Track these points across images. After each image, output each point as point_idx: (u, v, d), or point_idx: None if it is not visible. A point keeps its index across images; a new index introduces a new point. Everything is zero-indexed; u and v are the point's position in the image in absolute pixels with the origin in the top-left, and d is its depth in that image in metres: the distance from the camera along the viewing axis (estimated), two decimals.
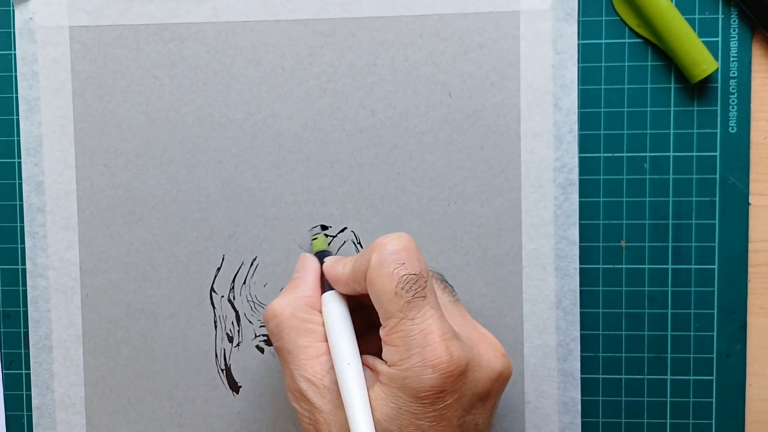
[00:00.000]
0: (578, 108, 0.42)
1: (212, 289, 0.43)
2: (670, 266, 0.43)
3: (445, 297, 0.37)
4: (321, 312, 0.37)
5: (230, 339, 0.43)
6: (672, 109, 0.42)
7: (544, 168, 0.41)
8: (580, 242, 0.42)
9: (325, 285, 0.38)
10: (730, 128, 0.42)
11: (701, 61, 0.41)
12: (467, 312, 0.38)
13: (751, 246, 0.42)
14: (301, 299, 0.37)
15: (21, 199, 0.44)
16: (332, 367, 0.35)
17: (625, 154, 0.42)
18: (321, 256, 0.40)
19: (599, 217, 0.43)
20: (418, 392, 0.33)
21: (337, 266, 0.38)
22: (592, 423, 0.43)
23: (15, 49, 0.44)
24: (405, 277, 0.34)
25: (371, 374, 0.35)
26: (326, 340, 0.36)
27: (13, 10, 0.43)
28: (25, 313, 0.44)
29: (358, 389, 0.33)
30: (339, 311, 0.36)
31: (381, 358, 0.35)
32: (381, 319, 0.34)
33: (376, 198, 0.42)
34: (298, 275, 0.39)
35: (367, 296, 0.36)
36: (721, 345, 0.43)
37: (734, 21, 0.42)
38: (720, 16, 0.42)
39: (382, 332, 0.34)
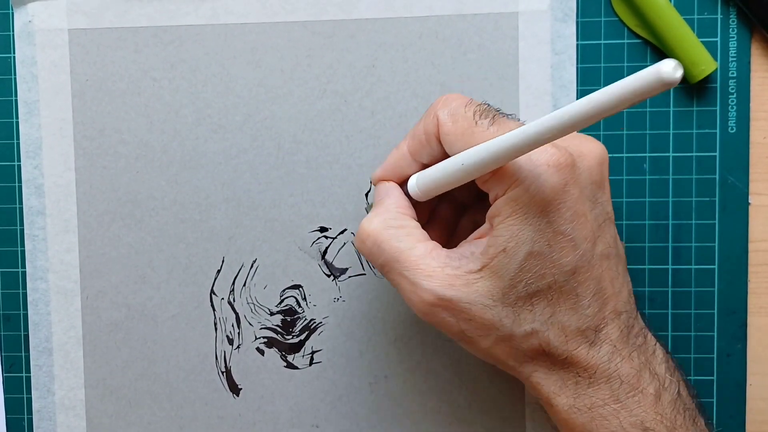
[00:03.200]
0: None
1: (212, 291, 0.43)
2: (670, 266, 0.43)
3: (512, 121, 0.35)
4: (415, 219, 0.36)
5: (230, 341, 0.43)
6: (671, 109, 0.42)
7: None
8: None
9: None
10: (730, 128, 0.42)
11: (700, 61, 0.41)
12: None
13: (751, 246, 0.42)
14: (389, 211, 0.35)
15: (20, 202, 0.44)
16: (447, 257, 0.33)
17: (624, 155, 0.42)
18: None
19: None
20: (546, 196, 0.31)
21: (390, 158, 0.37)
22: None
23: (14, 52, 0.44)
24: (478, 108, 0.33)
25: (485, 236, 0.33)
26: (428, 239, 0.34)
27: (12, 13, 0.43)
28: (25, 316, 0.44)
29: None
30: (427, 169, 0.35)
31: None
32: None
33: None
34: (379, 197, 0.37)
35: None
36: (722, 345, 0.43)
37: (733, 21, 0.42)
38: (719, 16, 0.42)
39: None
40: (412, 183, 0.36)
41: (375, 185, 0.38)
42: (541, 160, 0.31)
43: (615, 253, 0.34)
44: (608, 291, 0.34)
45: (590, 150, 0.34)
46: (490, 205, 0.33)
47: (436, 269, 0.33)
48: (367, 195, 0.42)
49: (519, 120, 0.35)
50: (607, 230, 0.34)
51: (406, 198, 0.37)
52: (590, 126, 0.42)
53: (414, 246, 0.34)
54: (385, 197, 0.36)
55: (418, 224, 0.35)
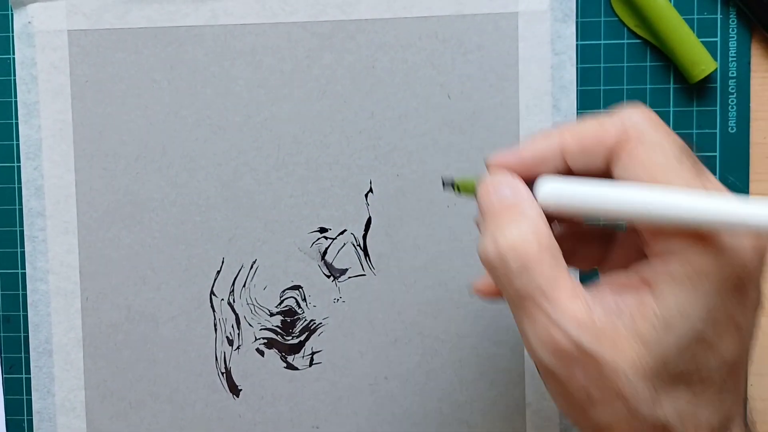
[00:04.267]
0: (577, 109, 0.42)
1: (212, 292, 0.43)
2: None
3: None
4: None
5: (230, 342, 0.43)
6: (671, 109, 0.42)
7: None
8: None
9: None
10: (730, 128, 0.42)
11: (700, 61, 0.41)
12: None
13: None
14: (540, 225, 0.28)
15: (20, 204, 0.44)
16: (593, 304, 0.27)
17: None
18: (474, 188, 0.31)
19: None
20: (738, 280, 0.26)
21: (535, 144, 0.29)
22: None
23: (14, 53, 0.44)
24: (682, 145, 0.27)
25: (636, 285, 0.27)
26: (570, 272, 0.28)
27: (12, 15, 0.43)
28: (25, 317, 0.44)
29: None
30: (575, 181, 0.28)
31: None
32: None
33: (375, 200, 0.42)
34: (508, 200, 0.29)
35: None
36: None
37: (733, 21, 0.42)
38: (719, 16, 0.42)
39: None
40: (547, 192, 0.29)
41: (494, 172, 0.30)
42: (748, 244, 0.26)
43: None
44: (742, 378, 0.29)
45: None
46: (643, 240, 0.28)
47: (584, 314, 0.27)
48: (366, 195, 0.42)
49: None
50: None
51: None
52: None
53: (565, 279, 0.27)
54: (525, 205, 0.28)
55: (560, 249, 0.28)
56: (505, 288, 0.28)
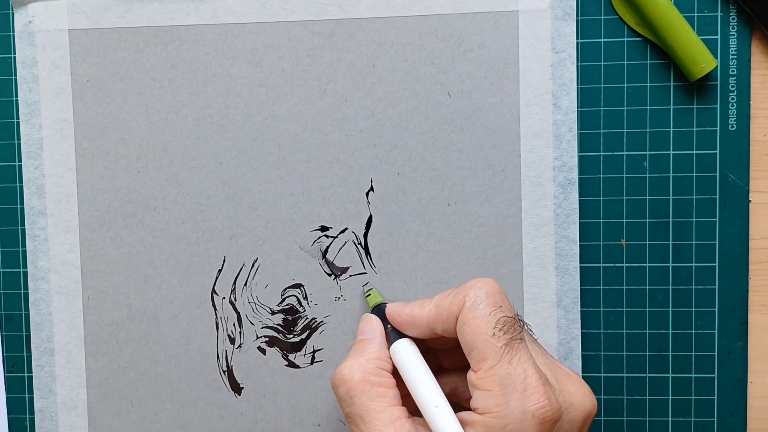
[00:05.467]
0: (578, 107, 0.42)
1: (213, 291, 0.43)
2: (670, 264, 0.43)
3: (527, 338, 0.36)
4: (391, 372, 0.36)
5: (232, 340, 0.43)
6: (671, 107, 0.42)
7: (543, 167, 0.42)
8: (580, 241, 0.42)
9: (392, 335, 0.38)
10: (730, 126, 0.42)
11: (700, 59, 0.41)
12: (543, 347, 0.37)
13: (751, 243, 0.42)
14: (371, 361, 0.36)
15: (22, 203, 0.44)
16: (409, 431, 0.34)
17: (624, 153, 0.42)
18: (378, 311, 0.39)
19: (599, 216, 0.43)
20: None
21: (411, 308, 0.37)
22: (594, 421, 0.43)
23: (15, 53, 0.44)
24: (503, 319, 0.33)
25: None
26: (399, 404, 0.35)
27: (13, 14, 0.43)
28: (27, 316, 0.44)
29: (454, 427, 0.33)
30: (417, 356, 0.36)
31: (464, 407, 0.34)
32: (473, 363, 0.34)
33: (376, 198, 0.42)
34: (363, 337, 0.38)
35: (435, 340, 0.35)
36: (723, 342, 0.43)
37: (733, 19, 0.42)
38: (719, 14, 0.42)
39: (473, 376, 0.33)
40: (397, 350, 0.37)
41: (377, 310, 0.39)
42: (530, 407, 0.32)
43: None
44: None
45: (580, 403, 0.34)
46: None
47: None
48: (367, 194, 0.42)
49: (533, 334, 0.36)
50: None
51: (386, 345, 0.37)
52: (591, 124, 0.42)
53: (383, 410, 0.35)
54: (370, 343, 0.37)
55: (393, 382, 0.36)
56: (342, 408, 0.36)
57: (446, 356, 0.39)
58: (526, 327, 0.36)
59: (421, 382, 0.35)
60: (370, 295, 0.42)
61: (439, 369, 0.39)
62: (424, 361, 0.36)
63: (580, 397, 0.34)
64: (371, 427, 0.34)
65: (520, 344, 0.33)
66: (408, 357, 0.36)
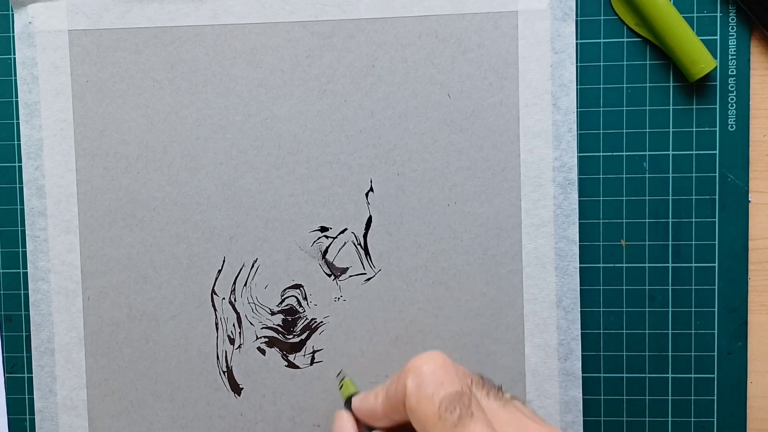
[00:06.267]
0: (577, 107, 0.42)
1: (213, 291, 0.43)
2: (670, 264, 0.43)
3: (493, 404, 0.33)
4: None
5: (231, 341, 0.43)
6: (671, 107, 0.42)
7: (543, 167, 0.42)
8: (580, 241, 0.42)
9: (364, 429, 0.36)
10: (729, 126, 0.42)
11: (700, 59, 0.41)
12: (523, 406, 0.34)
13: (751, 243, 0.42)
14: None
15: (22, 203, 0.44)
16: None
17: (624, 153, 0.42)
18: (350, 403, 0.38)
19: (599, 216, 0.43)
20: None
21: (368, 400, 0.35)
22: (594, 422, 0.43)
23: (14, 54, 0.44)
24: (446, 397, 0.31)
25: None
26: None
27: (13, 15, 0.43)
28: (27, 316, 0.44)
29: None
30: None
31: None
32: None
33: (375, 198, 0.42)
34: None
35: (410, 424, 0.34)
36: (722, 343, 0.43)
37: (732, 19, 0.42)
38: (718, 14, 0.42)
39: None
40: None
41: (348, 402, 0.38)
42: None
43: None
44: None
45: None
46: None
47: None
48: (367, 194, 0.42)
49: (508, 397, 0.34)
50: None
51: None
52: (590, 124, 0.42)
53: None
54: None
55: None
56: None
57: None
58: (491, 391, 0.33)
59: None
60: (342, 386, 0.40)
61: None
62: None
63: None
64: None
65: (472, 420, 0.30)
66: None
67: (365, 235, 0.43)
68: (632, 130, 0.42)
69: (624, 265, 0.43)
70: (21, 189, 0.44)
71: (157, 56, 0.43)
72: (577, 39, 0.42)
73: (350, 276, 0.43)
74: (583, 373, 0.43)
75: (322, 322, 0.43)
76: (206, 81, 0.43)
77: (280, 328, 0.43)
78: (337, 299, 0.43)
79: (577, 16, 0.42)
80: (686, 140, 0.42)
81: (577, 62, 0.42)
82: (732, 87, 0.42)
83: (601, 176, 0.43)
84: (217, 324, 0.43)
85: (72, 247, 0.43)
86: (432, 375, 0.32)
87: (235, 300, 0.43)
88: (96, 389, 0.44)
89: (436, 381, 0.31)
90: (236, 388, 0.43)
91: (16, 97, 0.44)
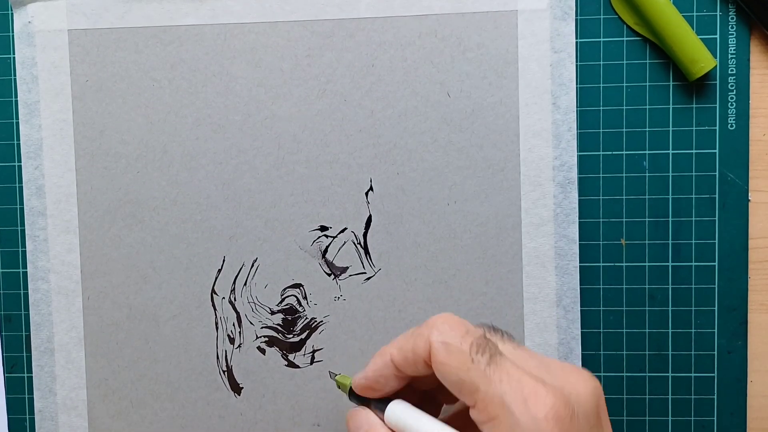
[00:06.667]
0: (577, 106, 0.42)
1: (213, 291, 0.43)
2: (670, 263, 0.43)
3: (508, 346, 0.34)
4: None
5: (231, 340, 0.43)
6: (671, 106, 0.42)
7: (543, 166, 0.42)
8: (579, 240, 0.42)
9: (378, 409, 0.36)
10: (729, 125, 0.42)
11: (699, 58, 0.41)
12: (530, 350, 0.35)
13: (751, 242, 0.42)
14: None
15: (21, 203, 0.44)
16: None
17: (624, 152, 0.42)
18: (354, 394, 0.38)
19: (599, 215, 0.43)
20: None
21: (375, 364, 0.35)
22: None
23: (14, 53, 0.44)
24: (474, 342, 0.32)
25: None
26: None
27: (12, 14, 0.43)
28: (27, 316, 0.44)
29: None
30: (411, 409, 0.34)
31: None
32: (467, 400, 0.32)
33: (375, 198, 0.42)
34: (362, 429, 0.36)
35: (421, 382, 0.34)
36: (722, 342, 0.43)
37: (732, 18, 0.42)
38: (718, 13, 0.42)
39: (474, 413, 0.32)
40: (393, 414, 0.35)
41: (350, 389, 0.37)
42: (539, 412, 0.30)
43: None
44: None
45: (586, 390, 0.32)
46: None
47: None
48: (367, 193, 0.42)
49: (516, 342, 0.34)
50: None
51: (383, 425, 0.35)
52: (590, 123, 0.42)
53: None
54: (367, 425, 0.35)
55: None
56: None
57: (441, 393, 0.37)
58: (504, 336, 0.34)
59: (432, 428, 0.33)
60: (339, 384, 0.39)
61: (441, 411, 0.37)
62: (421, 411, 0.34)
63: (584, 384, 0.33)
64: None
65: (501, 358, 0.32)
66: (403, 415, 0.34)
67: (365, 235, 0.43)
68: (632, 129, 0.42)
69: (624, 264, 0.43)
70: (21, 189, 0.44)
71: (157, 56, 0.43)
72: (576, 38, 0.42)
73: (350, 275, 0.43)
74: None
75: (322, 321, 0.43)
76: (206, 81, 0.43)
77: (280, 328, 0.43)
78: (337, 299, 0.43)
79: (576, 16, 0.42)
80: (686, 139, 0.42)
81: (576, 61, 0.42)
82: (732, 86, 0.42)
83: (600, 175, 0.43)
84: (217, 323, 0.43)
85: (72, 247, 0.43)
86: (455, 327, 0.33)
87: (235, 299, 0.43)
88: (96, 389, 0.44)
89: (460, 331, 0.33)
90: (236, 388, 0.43)
91: (16, 96, 0.44)
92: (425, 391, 0.37)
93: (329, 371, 0.43)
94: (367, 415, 0.36)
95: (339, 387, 0.38)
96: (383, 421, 0.35)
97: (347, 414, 0.37)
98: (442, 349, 0.32)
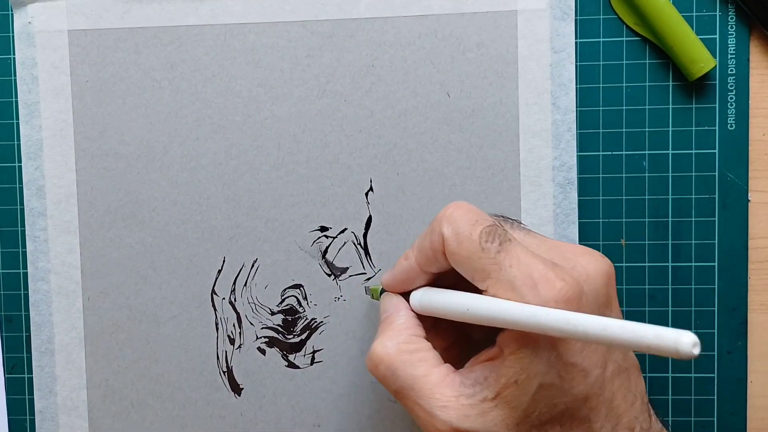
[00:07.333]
0: (576, 106, 0.42)
1: (213, 291, 0.43)
2: (670, 264, 0.43)
3: (519, 233, 0.35)
4: (424, 337, 0.35)
5: (231, 341, 0.43)
6: (670, 106, 0.42)
7: (543, 167, 0.42)
8: (579, 240, 0.42)
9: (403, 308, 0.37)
10: (729, 125, 0.42)
11: (699, 58, 0.41)
12: (542, 235, 0.36)
13: (750, 243, 0.42)
14: (401, 332, 0.35)
15: (22, 203, 0.44)
16: (461, 384, 0.33)
17: (623, 152, 0.42)
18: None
19: (599, 216, 0.43)
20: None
21: (400, 266, 0.36)
22: None
23: (14, 53, 0.44)
24: (485, 230, 0.32)
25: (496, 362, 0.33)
26: (443, 362, 0.34)
27: (12, 15, 0.43)
28: (27, 317, 0.44)
29: (517, 305, 0.31)
30: (436, 290, 0.35)
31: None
32: (481, 285, 0.33)
33: (375, 198, 0.42)
34: (386, 314, 0.37)
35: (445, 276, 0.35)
36: (722, 342, 0.43)
37: (732, 18, 0.42)
38: (717, 13, 0.42)
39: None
40: (416, 299, 0.36)
41: (380, 290, 0.38)
42: (549, 295, 0.31)
43: (626, 366, 0.34)
44: (621, 408, 0.33)
45: (596, 270, 0.33)
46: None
47: (450, 399, 0.32)
48: (367, 194, 0.42)
49: (527, 230, 0.35)
50: (615, 347, 0.33)
51: (415, 316, 0.36)
52: (590, 124, 0.42)
53: (429, 373, 0.33)
54: (395, 316, 0.36)
55: (429, 345, 0.35)
56: (387, 389, 0.35)
57: (465, 287, 0.36)
58: (514, 224, 0.35)
59: (457, 298, 0.33)
60: (369, 288, 0.42)
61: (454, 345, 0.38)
62: (438, 288, 0.35)
63: (594, 265, 0.33)
64: (423, 392, 0.33)
65: (511, 244, 0.32)
66: (426, 295, 0.35)
67: (365, 235, 0.43)
68: (632, 129, 0.42)
69: (624, 264, 0.43)
70: (21, 189, 0.44)
71: (157, 56, 0.43)
72: (576, 38, 0.42)
73: (350, 276, 0.43)
74: None
75: (322, 322, 0.43)
76: (206, 81, 0.43)
77: (280, 328, 0.43)
78: (337, 299, 0.43)
79: (576, 16, 0.42)
80: (686, 139, 0.42)
81: (576, 61, 0.42)
82: (731, 86, 0.42)
83: (600, 175, 0.43)
84: (217, 324, 0.43)
85: (72, 247, 0.43)
86: (464, 217, 0.33)
87: (235, 300, 0.43)
88: (96, 389, 0.44)
89: (470, 220, 0.33)
90: (236, 388, 0.43)
91: (16, 97, 0.44)
92: (451, 286, 0.37)
93: (363, 285, 0.43)
94: (394, 298, 0.37)
95: (371, 296, 0.40)
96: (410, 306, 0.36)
97: (382, 296, 0.38)
98: (453, 239, 0.33)
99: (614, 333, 0.27)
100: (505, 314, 0.31)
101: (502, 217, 0.36)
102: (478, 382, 0.32)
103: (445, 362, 0.34)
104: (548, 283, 0.31)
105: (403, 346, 0.34)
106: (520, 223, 0.36)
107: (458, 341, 0.38)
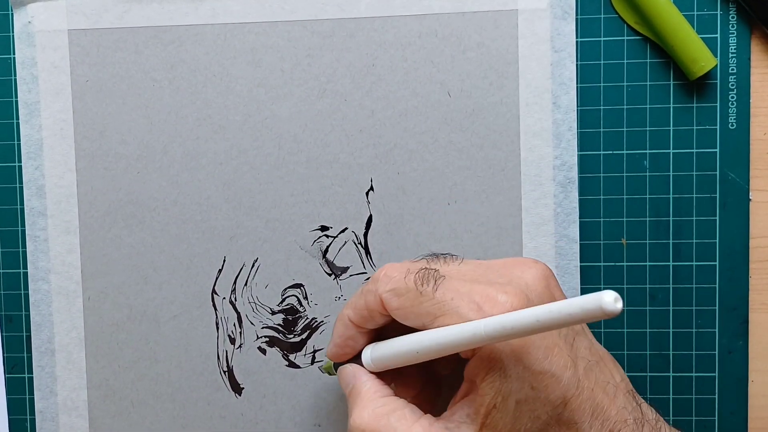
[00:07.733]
0: (577, 106, 0.42)
1: (214, 291, 0.43)
2: (671, 263, 0.43)
3: (452, 266, 0.35)
4: (394, 395, 0.36)
5: (232, 341, 0.43)
6: (671, 105, 0.42)
7: (543, 166, 0.41)
8: (580, 240, 0.42)
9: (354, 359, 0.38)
10: (730, 124, 0.42)
11: (700, 57, 0.41)
12: (475, 260, 0.37)
13: (752, 242, 0.42)
14: (370, 398, 0.35)
15: (22, 203, 0.44)
16: (446, 429, 0.33)
17: (624, 152, 0.42)
18: (336, 365, 0.39)
19: (599, 215, 0.43)
20: (513, 345, 0.31)
21: (338, 331, 0.37)
22: None
23: (14, 53, 0.44)
24: (417, 276, 0.34)
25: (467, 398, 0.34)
26: (422, 414, 0.34)
27: (12, 14, 0.43)
28: (27, 316, 0.44)
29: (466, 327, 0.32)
30: (383, 343, 0.36)
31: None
32: (431, 327, 0.33)
33: (376, 198, 0.42)
34: (348, 388, 0.37)
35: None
36: (723, 341, 0.43)
37: (733, 17, 0.42)
38: (718, 12, 0.42)
39: None
40: (366, 357, 0.36)
41: (332, 365, 0.39)
42: (495, 312, 0.31)
43: (596, 359, 0.34)
44: (604, 402, 0.33)
45: (533, 276, 0.34)
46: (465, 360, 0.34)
47: None
48: (367, 193, 0.42)
49: (460, 259, 0.36)
50: (579, 344, 0.34)
51: (376, 377, 0.36)
52: (591, 123, 0.42)
53: (411, 428, 0.34)
54: (359, 385, 0.36)
55: (403, 401, 0.35)
56: None
57: (440, 364, 0.38)
58: (446, 259, 0.35)
59: (402, 343, 0.34)
60: (321, 367, 0.41)
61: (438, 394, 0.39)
62: (389, 339, 0.36)
63: (530, 272, 0.34)
64: None
65: (445, 280, 0.33)
66: (376, 350, 0.36)
67: (366, 235, 0.43)
68: (633, 128, 0.42)
69: (624, 263, 0.43)
70: (21, 189, 0.44)
71: (157, 56, 0.43)
72: (577, 37, 0.42)
73: (351, 275, 0.43)
74: None
75: (322, 321, 0.43)
76: (206, 81, 0.43)
77: (280, 328, 0.43)
78: (337, 298, 0.43)
79: (577, 15, 0.42)
80: (687, 138, 0.42)
81: (577, 61, 0.42)
82: (732, 85, 0.42)
83: (601, 175, 0.42)
84: (217, 324, 0.43)
85: (72, 247, 0.43)
86: (397, 272, 0.34)
87: (235, 300, 0.43)
88: (96, 389, 0.44)
89: (402, 273, 0.34)
90: (237, 388, 0.43)
91: (16, 97, 0.44)
92: (397, 334, 0.37)
93: (318, 368, 0.43)
94: (350, 367, 0.37)
95: (328, 373, 0.40)
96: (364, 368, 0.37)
97: (338, 372, 0.38)
98: (392, 296, 0.34)
99: (545, 317, 0.28)
100: (448, 340, 0.32)
101: (433, 255, 0.37)
102: (462, 422, 0.33)
103: (423, 406, 0.35)
104: (491, 301, 0.32)
105: (378, 411, 0.34)
106: (453, 255, 0.37)
107: (428, 382, 0.38)
